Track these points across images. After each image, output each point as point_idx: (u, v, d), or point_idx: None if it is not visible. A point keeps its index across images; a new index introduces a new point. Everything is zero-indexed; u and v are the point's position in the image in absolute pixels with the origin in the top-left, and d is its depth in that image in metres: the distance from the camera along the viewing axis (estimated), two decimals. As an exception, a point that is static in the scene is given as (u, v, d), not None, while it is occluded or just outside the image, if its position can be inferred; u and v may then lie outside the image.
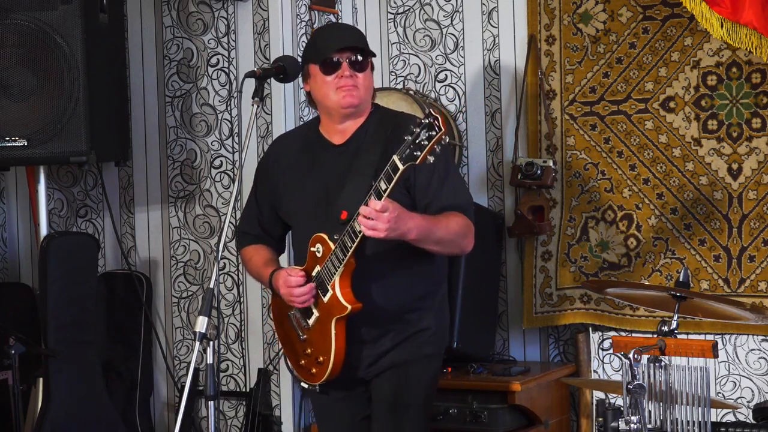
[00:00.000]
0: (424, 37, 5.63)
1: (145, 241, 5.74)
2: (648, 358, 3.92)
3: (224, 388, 5.56)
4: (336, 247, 3.98)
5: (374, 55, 4.20)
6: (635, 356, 3.77)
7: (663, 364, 3.94)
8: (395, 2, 5.66)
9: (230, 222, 4.20)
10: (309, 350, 4.17)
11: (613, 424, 3.93)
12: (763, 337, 5.07)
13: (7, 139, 5.10)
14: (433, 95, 5.58)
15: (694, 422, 3.92)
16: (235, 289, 5.55)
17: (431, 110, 3.69)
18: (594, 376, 5.32)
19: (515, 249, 5.47)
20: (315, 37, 4.28)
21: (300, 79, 4.30)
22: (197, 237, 5.64)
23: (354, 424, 4.27)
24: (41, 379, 5.19)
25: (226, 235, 5.35)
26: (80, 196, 5.87)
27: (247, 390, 5.49)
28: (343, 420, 4.29)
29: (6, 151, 5.11)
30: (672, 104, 5.17)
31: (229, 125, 5.56)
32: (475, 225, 4.15)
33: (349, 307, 4.02)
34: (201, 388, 5.34)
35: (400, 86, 5.61)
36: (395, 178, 3.77)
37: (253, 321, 5.49)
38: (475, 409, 4.92)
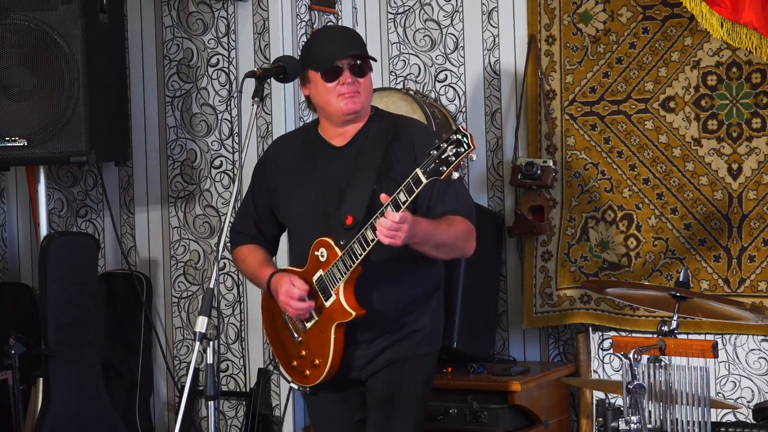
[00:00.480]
0: (424, 37, 5.63)
1: (145, 241, 5.74)
2: (648, 358, 3.92)
3: (224, 388, 5.55)
4: (344, 254, 3.98)
5: (375, 60, 4.20)
6: (635, 356, 3.77)
7: (663, 364, 3.94)
8: (395, 2, 5.66)
9: (230, 222, 4.20)
10: (304, 352, 4.16)
11: (613, 424, 3.93)
12: (763, 337, 5.07)
13: (7, 139, 5.10)
14: (433, 95, 5.58)
15: (694, 422, 3.92)
16: (235, 289, 5.55)
17: (461, 126, 3.70)
18: (594, 376, 5.32)
19: (515, 249, 5.47)
20: (313, 42, 4.24)
21: (298, 80, 4.30)
22: (197, 237, 5.64)
23: (351, 426, 4.27)
24: (41, 379, 5.19)
25: (226, 235, 5.34)
26: (80, 196, 5.87)
27: (247, 390, 5.49)
28: (340, 422, 4.28)
29: (6, 151, 5.10)
30: (672, 104, 5.17)
31: (229, 125, 5.56)
32: (476, 225, 4.16)
33: (354, 313, 4.02)
34: (201, 388, 5.34)
35: (400, 86, 5.61)
36: (416, 192, 3.78)
37: (253, 321, 5.49)
38: (475, 409, 4.92)
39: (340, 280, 4.01)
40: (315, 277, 4.09)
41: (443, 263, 4.29)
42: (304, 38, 5.40)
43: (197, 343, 3.71)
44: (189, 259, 5.66)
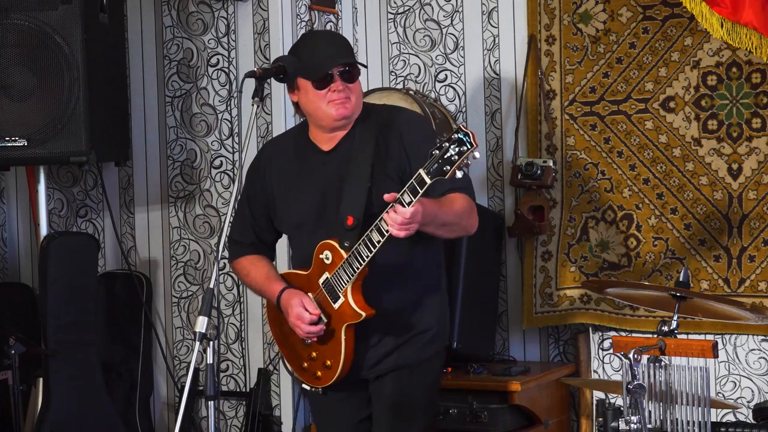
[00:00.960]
0: (424, 37, 5.63)
1: (145, 241, 5.74)
2: (648, 358, 3.92)
3: (224, 388, 5.56)
4: (350, 256, 3.98)
5: (365, 66, 4.20)
6: (635, 356, 3.77)
7: (663, 364, 3.94)
8: (395, 2, 5.66)
9: (230, 222, 4.19)
10: (314, 354, 4.17)
11: (613, 424, 3.93)
12: (763, 337, 5.07)
13: (7, 139, 5.10)
14: (433, 95, 5.58)
15: (694, 422, 3.92)
16: (235, 289, 5.55)
17: (461, 125, 3.70)
18: (594, 376, 5.32)
19: (515, 249, 5.47)
20: (302, 50, 4.19)
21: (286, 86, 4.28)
22: (197, 237, 5.64)
23: (354, 425, 4.27)
24: (41, 379, 5.19)
25: (226, 235, 5.35)
26: (80, 196, 5.87)
27: (247, 390, 5.49)
28: (344, 421, 4.29)
29: (6, 151, 5.11)
30: (672, 104, 5.17)
31: (229, 125, 5.56)
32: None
33: (364, 314, 4.03)
34: (201, 388, 5.34)
35: (400, 86, 5.61)
36: (421, 192, 3.77)
37: (253, 321, 5.49)
38: (475, 409, 4.92)
39: (347, 282, 4.01)
40: (321, 280, 4.09)
41: (444, 259, 4.29)
42: (304, 38, 5.39)
43: (197, 343, 3.71)
44: (189, 259, 5.66)
